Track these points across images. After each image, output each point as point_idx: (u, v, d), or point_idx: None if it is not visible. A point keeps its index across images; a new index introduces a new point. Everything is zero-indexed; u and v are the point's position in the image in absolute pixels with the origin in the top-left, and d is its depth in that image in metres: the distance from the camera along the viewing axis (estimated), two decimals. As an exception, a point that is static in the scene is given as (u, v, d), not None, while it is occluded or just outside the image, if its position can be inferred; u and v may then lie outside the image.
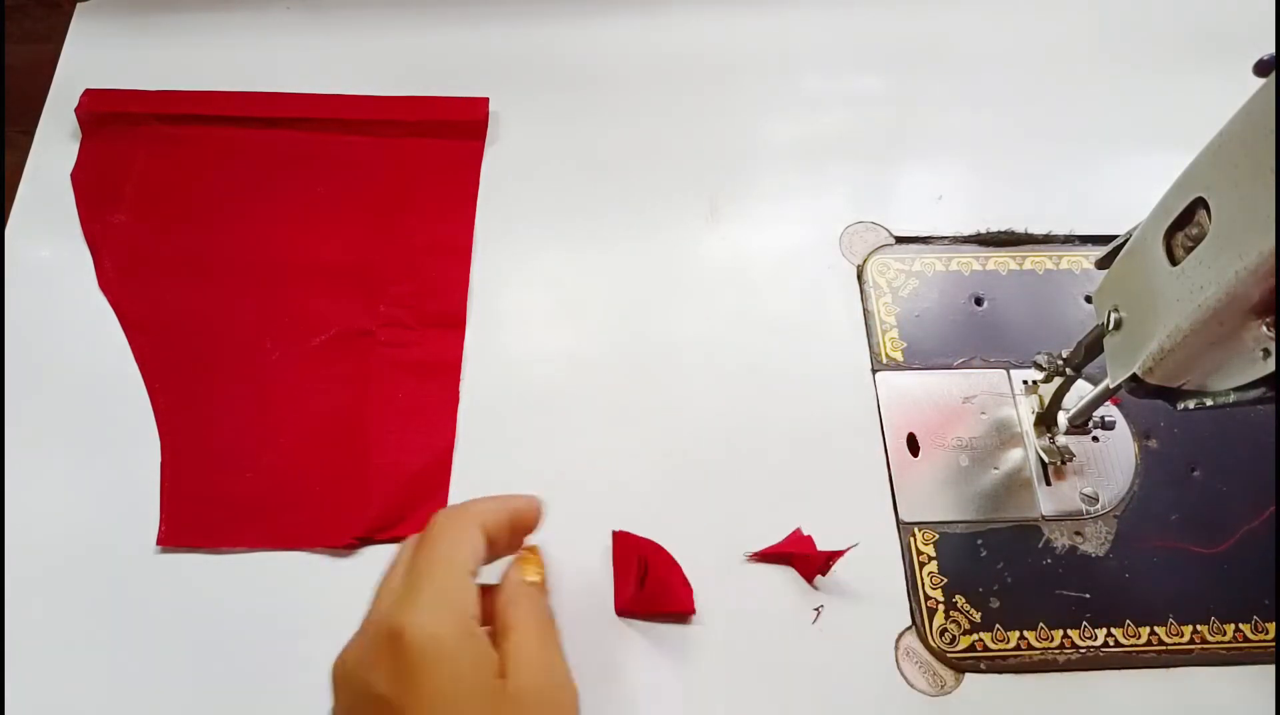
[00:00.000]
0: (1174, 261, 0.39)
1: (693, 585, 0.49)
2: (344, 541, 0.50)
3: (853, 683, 0.48)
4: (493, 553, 0.40)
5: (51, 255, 0.59)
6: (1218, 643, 0.49)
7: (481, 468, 0.53)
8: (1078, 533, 0.52)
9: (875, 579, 0.50)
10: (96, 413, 0.54)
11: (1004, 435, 0.54)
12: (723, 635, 0.49)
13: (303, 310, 0.57)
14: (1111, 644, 0.49)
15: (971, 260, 0.59)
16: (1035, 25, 0.68)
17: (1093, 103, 0.65)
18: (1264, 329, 0.35)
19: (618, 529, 0.50)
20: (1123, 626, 0.50)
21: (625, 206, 0.61)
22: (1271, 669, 0.49)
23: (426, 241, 0.59)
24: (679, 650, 0.49)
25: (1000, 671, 0.48)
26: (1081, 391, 0.51)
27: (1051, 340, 0.55)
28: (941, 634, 0.49)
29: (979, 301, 0.58)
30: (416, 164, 0.62)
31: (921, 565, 0.51)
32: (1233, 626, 0.50)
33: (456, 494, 0.52)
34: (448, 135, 0.62)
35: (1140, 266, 0.41)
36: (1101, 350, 0.45)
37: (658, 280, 0.59)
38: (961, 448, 0.54)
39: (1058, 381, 0.51)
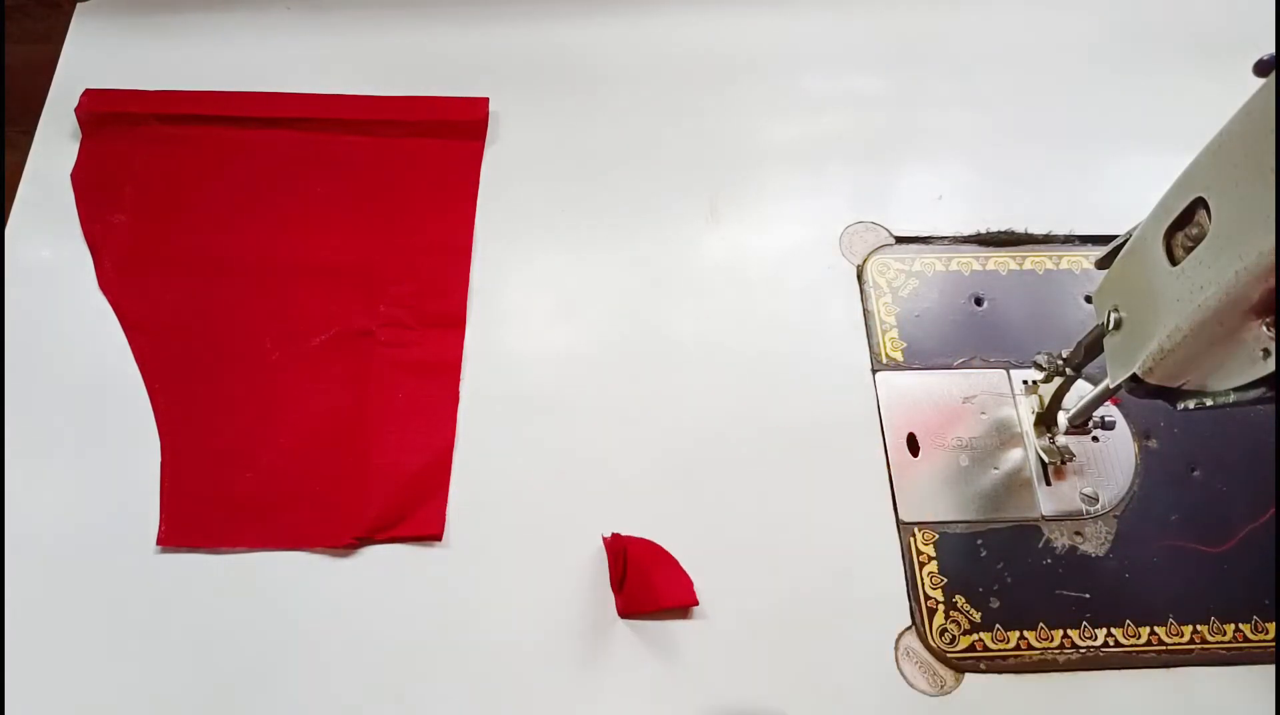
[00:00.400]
0: (1174, 261, 0.39)
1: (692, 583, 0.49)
2: (344, 541, 0.50)
3: (853, 682, 0.48)
4: None
5: (51, 255, 0.59)
6: (1218, 643, 0.49)
7: (481, 468, 0.53)
8: (1078, 533, 0.52)
9: (875, 579, 0.50)
10: (96, 413, 0.54)
11: (1004, 435, 0.54)
12: (723, 635, 0.49)
13: (303, 310, 0.57)
14: (1111, 644, 0.49)
15: (971, 260, 0.59)
16: (1035, 26, 0.68)
17: (1093, 103, 0.65)
18: (1264, 329, 0.35)
19: (613, 531, 0.50)
20: (1123, 626, 0.50)
21: (625, 206, 0.61)
22: (1271, 669, 0.49)
23: (426, 241, 0.59)
24: (680, 650, 0.49)
25: (1000, 671, 0.48)
26: (1081, 391, 0.51)
27: (1051, 340, 0.55)
28: (941, 634, 0.49)
29: (979, 301, 0.58)
30: (416, 164, 0.62)
31: (921, 565, 0.51)
32: (1233, 626, 0.50)
33: (456, 494, 0.52)
34: (448, 135, 0.62)
35: (1140, 266, 0.41)
36: (1101, 350, 0.45)
37: (658, 280, 0.59)
38: (961, 448, 0.54)
39: (1058, 381, 0.51)
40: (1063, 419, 0.53)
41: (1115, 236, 0.44)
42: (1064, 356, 0.49)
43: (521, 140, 0.63)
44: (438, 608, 0.49)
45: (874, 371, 0.56)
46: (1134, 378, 0.41)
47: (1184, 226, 0.38)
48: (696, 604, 0.49)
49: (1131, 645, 0.49)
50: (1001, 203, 0.61)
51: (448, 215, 0.60)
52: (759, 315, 0.58)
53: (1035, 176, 0.62)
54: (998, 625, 0.49)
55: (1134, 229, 0.42)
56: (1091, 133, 0.64)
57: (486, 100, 0.63)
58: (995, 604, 0.50)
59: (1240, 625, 0.50)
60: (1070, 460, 0.53)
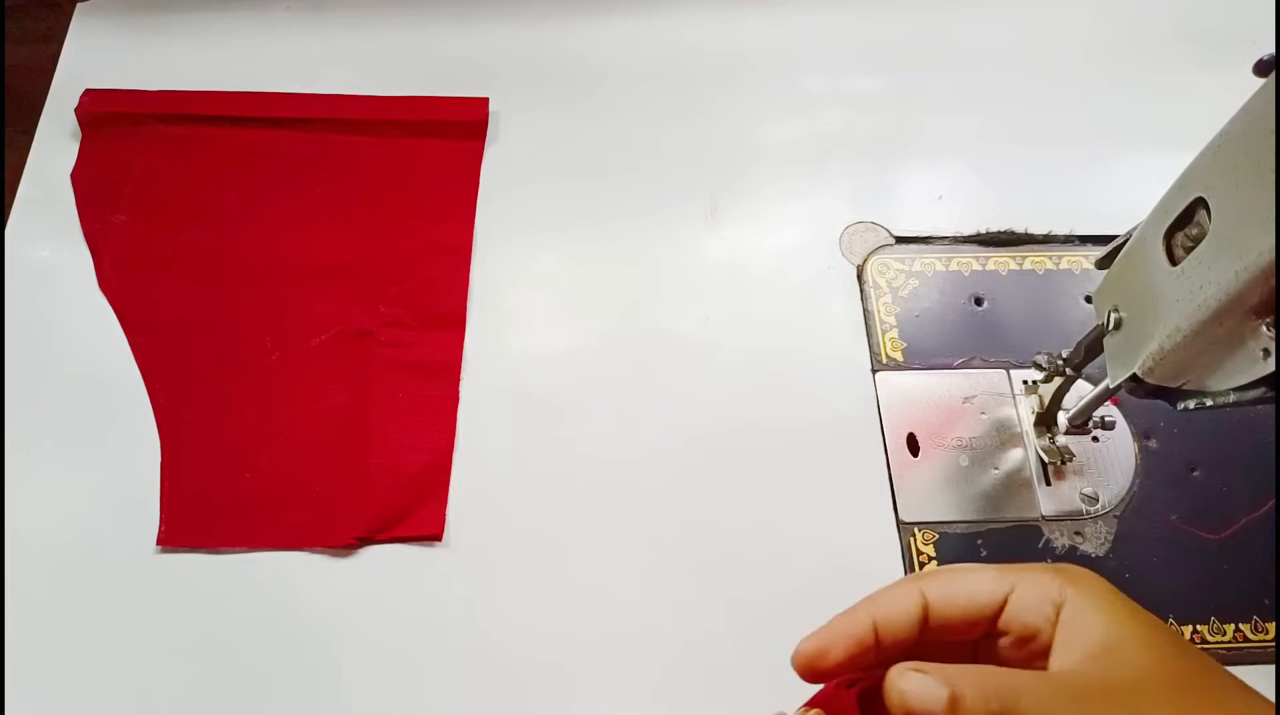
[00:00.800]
0: (1174, 261, 0.39)
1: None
2: (344, 541, 0.50)
3: (853, 683, 0.48)
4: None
5: (51, 255, 0.59)
6: (1218, 643, 0.49)
7: (481, 468, 0.53)
8: (1078, 533, 0.52)
9: (875, 579, 0.50)
10: (96, 413, 0.54)
11: (1004, 435, 0.54)
12: (722, 635, 0.49)
13: (303, 310, 0.57)
14: (1111, 644, 0.49)
15: (971, 260, 0.59)
16: (1035, 25, 0.68)
17: (1093, 103, 0.65)
18: (1264, 329, 0.35)
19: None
20: (1123, 626, 0.49)
21: (625, 206, 0.61)
22: (1271, 669, 0.49)
23: (426, 241, 0.59)
24: (680, 650, 0.49)
25: (1000, 671, 0.48)
26: (1081, 391, 0.51)
27: (1051, 340, 0.55)
28: (941, 634, 0.49)
29: (979, 301, 0.58)
30: (416, 164, 0.62)
31: (921, 565, 0.50)
32: (1233, 626, 0.50)
33: (456, 494, 0.52)
34: (448, 135, 0.62)
35: (1140, 266, 0.41)
36: (1101, 350, 0.45)
37: (658, 280, 0.59)
38: (961, 448, 0.54)
39: (1058, 381, 0.51)
40: (1063, 419, 0.53)
41: (1115, 236, 0.44)
42: (1064, 356, 0.49)
43: (522, 140, 0.63)
44: (438, 608, 0.49)
45: (874, 371, 0.56)
46: (1134, 378, 0.41)
47: (1184, 226, 0.38)
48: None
49: (1131, 645, 0.49)
50: (1001, 203, 0.61)
51: (448, 215, 0.60)
52: (759, 315, 0.58)
53: (1035, 176, 0.62)
54: (998, 625, 0.49)
55: (1134, 229, 0.42)
56: (1091, 133, 0.64)
57: (486, 100, 0.63)
58: (995, 604, 0.50)
59: (1240, 625, 0.50)
60: (1070, 460, 0.53)
